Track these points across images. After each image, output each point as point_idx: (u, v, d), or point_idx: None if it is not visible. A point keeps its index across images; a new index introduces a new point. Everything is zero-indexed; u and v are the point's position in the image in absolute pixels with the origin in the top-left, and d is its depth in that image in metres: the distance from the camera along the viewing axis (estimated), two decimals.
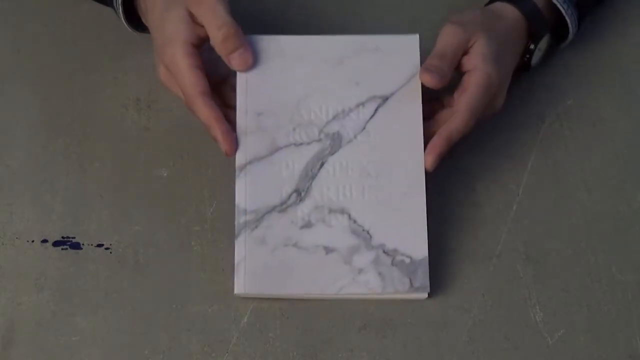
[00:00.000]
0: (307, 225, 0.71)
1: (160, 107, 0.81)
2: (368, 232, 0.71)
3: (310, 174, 0.72)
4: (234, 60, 0.72)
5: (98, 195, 0.77)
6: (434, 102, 0.76)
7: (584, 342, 0.72)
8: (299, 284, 0.71)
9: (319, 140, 0.73)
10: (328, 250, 0.71)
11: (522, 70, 0.80)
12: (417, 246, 0.71)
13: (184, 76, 0.70)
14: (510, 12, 0.77)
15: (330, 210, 0.72)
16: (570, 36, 0.80)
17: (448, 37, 0.73)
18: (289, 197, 0.72)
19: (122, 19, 0.78)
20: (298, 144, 0.73)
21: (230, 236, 0.71)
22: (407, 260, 0.71)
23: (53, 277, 0.73)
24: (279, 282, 0.71)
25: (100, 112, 0.81)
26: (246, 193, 0.71)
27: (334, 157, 0.73)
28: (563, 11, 0.78)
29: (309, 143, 0.73)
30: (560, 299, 0.73)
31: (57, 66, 0.83)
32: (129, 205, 0.76)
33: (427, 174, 0.72)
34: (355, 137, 0.73)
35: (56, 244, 0.75)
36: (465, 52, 0.74)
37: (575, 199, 0.78)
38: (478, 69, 0.73)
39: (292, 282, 0.71)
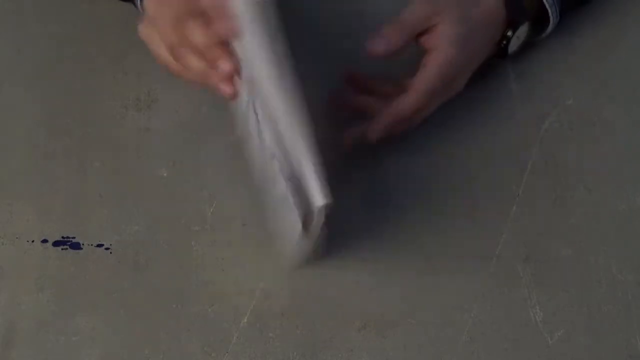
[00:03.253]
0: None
1: (160, 107, 0.81)
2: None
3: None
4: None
5: (98, 195, 0.77)
6: (395, 85, 0.75)
7: (584, 342, 0.72)
8: None
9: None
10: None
11: (498, 57, 0.79)
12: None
13: None
14: None
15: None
16: (551, 27, 0.79)
17: (412, 8, 0.73)
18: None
19: None
20: None
21: (230, 236, 0.71)
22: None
23: (53, 277, 0.73)
24: None
25: (100, 112, 0.81)
26: None
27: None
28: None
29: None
30: (560, 299, 0.73)
31: (57, 66, 0.83)
32: (129, 205, 0.76)
33: (431, 175, 0.72)
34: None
35: (56, 244, 0.75)
36: (428, 30, 0.73)
37: (575, 199, 0.78)
38: (439, 49, 0.72)
39: None
